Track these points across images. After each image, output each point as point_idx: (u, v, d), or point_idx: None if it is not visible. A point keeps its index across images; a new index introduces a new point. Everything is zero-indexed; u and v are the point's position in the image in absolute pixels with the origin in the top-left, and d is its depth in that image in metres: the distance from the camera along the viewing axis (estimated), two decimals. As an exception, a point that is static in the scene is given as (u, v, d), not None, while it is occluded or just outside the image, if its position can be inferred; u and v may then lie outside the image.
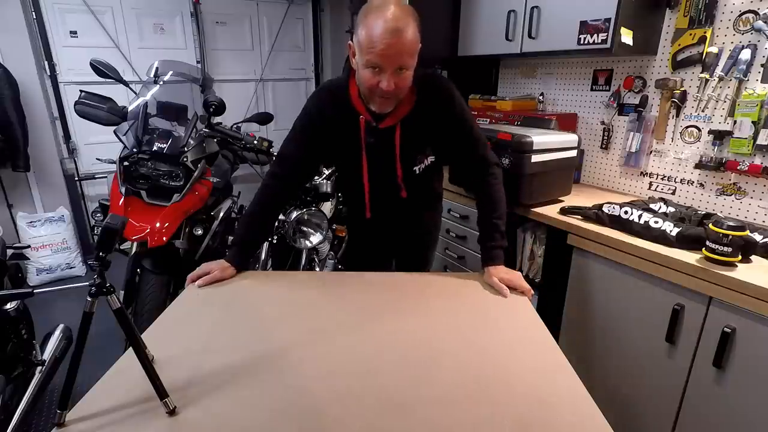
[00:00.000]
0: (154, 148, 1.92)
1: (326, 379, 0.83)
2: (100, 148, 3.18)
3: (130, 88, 2.21)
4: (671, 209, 1.57)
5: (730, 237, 1.20)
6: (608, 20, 1.67)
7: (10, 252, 1.79)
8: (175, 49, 3.40)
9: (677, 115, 1.79)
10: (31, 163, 2.92)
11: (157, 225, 1.81)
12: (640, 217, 1.45)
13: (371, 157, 1.29)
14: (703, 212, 1.54)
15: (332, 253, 2.25)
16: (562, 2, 1.85)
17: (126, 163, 1.92)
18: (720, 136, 1.64)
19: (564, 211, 1.67)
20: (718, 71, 1.63)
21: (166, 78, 2.22)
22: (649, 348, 1.43)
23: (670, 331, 1.35)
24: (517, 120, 2.19)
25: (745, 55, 1.55)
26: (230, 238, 2.24)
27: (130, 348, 0.76)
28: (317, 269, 2.08)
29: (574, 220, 1.62)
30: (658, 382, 1.42)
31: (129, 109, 2.00)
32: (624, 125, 2.01)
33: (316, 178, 2.08)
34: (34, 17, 2.94)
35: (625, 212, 1.49)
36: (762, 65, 1.53)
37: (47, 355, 1.59)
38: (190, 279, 1.20)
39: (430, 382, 0.83)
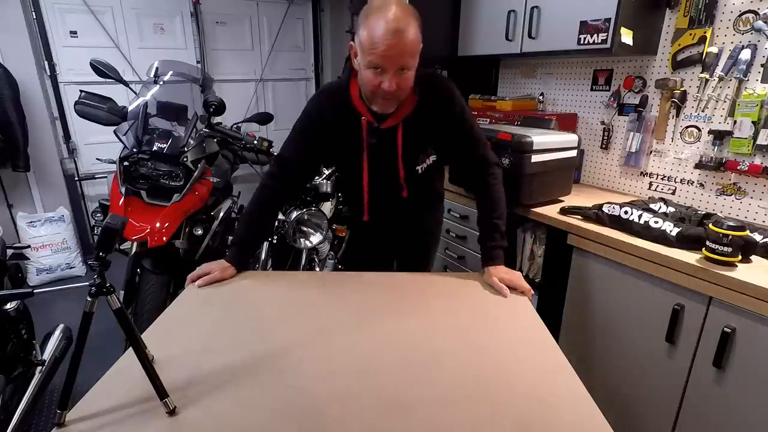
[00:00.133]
0: (154, 148, 1.92)
1: (326, 379, 0.83)
2: (100, 148, 3.18)
3: (130, 88, 2.21)
4: (671, 209, 1.57)
5: (730, 237, 1.20)
6: (608, 20, 1.67)
7: (10, 252, 1.79)
8: (175, 49, 3.39)
9: (677, 115, 1.79)
10: (31, 163, 2.92)
11: (157, 225, 1.81)
12: (640, 217, 1.45)
13: (372, 158, 1.29)
14: (703, 212, 1.54)
15: (332, 253, 2.24)
16: (562, 2, 1.85)
17: (126, 163, 1.92)
18: (720, 136, 1.64)
19: (564, 211, 1.67)
20: (718, 71, 1.63)
21: (166, 78, 2.22)
22: (649, 348, 1.43)
23: (670, 331, 1.35)
24: (517, 120, 2.18)
25: (745, 55, 1.55)
26: (230, 238, 2.24)
27: (130, 348, 0.76)
28: (317, 269, 2.08)
29: (574, 220, 1.62)
30: (658, 382, 1.42)
31: (129, 109, 2.00)
32: (624, 125, 2.01)
33: (316, 178, 2.08)
34: (34, 17, 2.94)
35: (625, 212, 1.49)
36: (762, 65, 1.53)
37: (47, 355, 1.59)
38: (190, 279, 1.20)
39: (430, 382, 0.83)
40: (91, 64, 2.01)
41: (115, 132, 2.00)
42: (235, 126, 2.29)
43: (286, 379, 0.83)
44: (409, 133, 1.25)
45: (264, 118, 2.39)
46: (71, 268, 3.13)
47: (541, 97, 2.38)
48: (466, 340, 0.96)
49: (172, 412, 0.73)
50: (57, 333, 1.70)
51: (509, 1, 2.06)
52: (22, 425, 1.38)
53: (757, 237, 1.31)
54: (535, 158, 1.66)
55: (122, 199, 1.89)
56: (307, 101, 1.32)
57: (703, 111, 1.71)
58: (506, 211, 1.32)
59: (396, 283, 1.25)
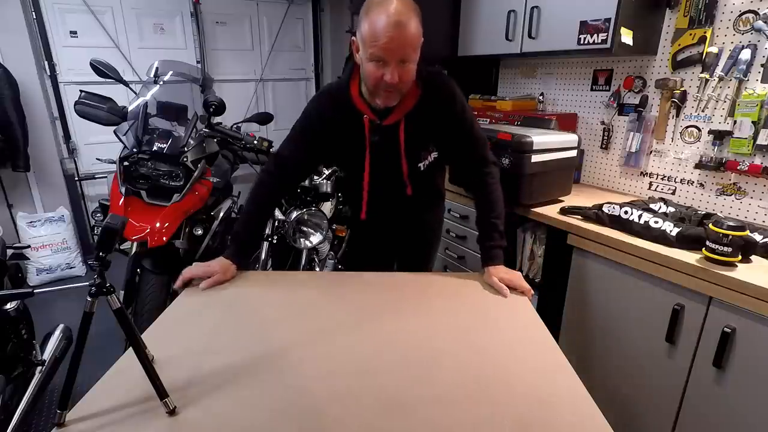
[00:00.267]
0: (154, 148, 1.92)
1: (326, 379, 0.83)
2: (100, 148, 3.18)
3: (130, 88, 2.21)
4: (671, 209, 1.57)
5: (730, 237, 1.20)
6: (608, 20, 1.67)
7: (10, 252, 1.79)
8: (175, 49, 3.39)
9: (677, 115, 1.79)
10: (31, 163, 2.92)
11: (157, 225, 1.81)
12: (640, 217, 1.45)
13: (375, 156, 1.29)
14: (703, 212, 1.54)
15: (332, 253, 2.25)
16: (562, 2, 1.85)
17: (126, 163, 1.92)
18: (720, 136, 1.64)
19: (564, 211, 1.67)
20: (718, 71, 1.63)
21: (166, 78, 2.22)
22: (649, 348, 1.43)
23: (670, 331, 1.35)
24: (517, 120, 2.18)
25: (745, 55, 1.55)
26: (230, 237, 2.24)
27: (130, 348, 0.76)
28: (317, 269, 2.08)
29: (574, 220, 1.62)
30: (658, 382, 1.42)
31: (129, 109, 2.00)
32: (624, 125, 2.01)
33: (316, 178, 2.08)
34: (34, 17, 2.94)
35: (625, 212, 1.49)
36: (762, 65, 1.53)
37: (47, 355, 1.59)
38: (184, 277, 1.17)
39: (430, 382, 0.83)
40: (91, 64, 2.01)
41: (115, 132, 2.00)
42: (235, 126, 2.29)
43: (286, 379, 0.82)
44: (411, 129, 1.25)
45: (264, 118, 2.39)
46: (71, 268, 3.13)
47: (541, 97, 2.38)
48: (466, 340, 0.96)
49: (172, 412, 0.73)
50: (57, 333, 1.70)
51: (509, 1, 2.07)
52: (22, 425, 1.38)
53: (757, 237, 1.31)
54: (535, 158, 1.66)
55: (122, 199, 1.89)
56: (308, 102, 1.32)
57: (703, 111, 1.71)
58: (505, 210, 1.32)
59: (396, 283, 1.25)
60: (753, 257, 1.29)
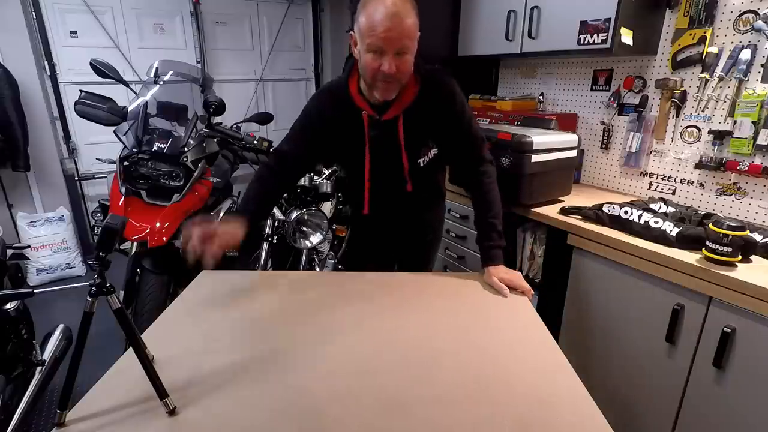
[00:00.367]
0: (154, 148, 1.92)
1: (326, 379, 0.83)
2: (100, 148, 3.18)
3: (130, 88, 2.21)
4: (671, 209, 1.57)
5: (730, 237, 1.20)
6: (608, 20, 1.67)
7: (10, 252, 1.79)
8: (175, 49, 3.39)
9: (677, 115, 1.79)
10: (31, 163, 2.92)
11: (157, 225, 1.81)
12: (640, 217, 1.45)
13: (375, 152, 1.29)
14: (703, 212, 1.54)
15: (332, 253, 2.25)
16: (562, 2, 1.85)
17: (126, 163, 1.92)
18: (720, 136, 1.64)
19: (564, 211, 1.67)
20: (718, 71, 1.63)
21: (166, 78, 2.22)
22: (649, 348, 1.43)
23: (670, 331, 1.35)
24: (517, 120, 2.19)
25: (745, 55, 1.55)
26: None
27: (130, 348, 0.76)
28: (317, 269, 2.08)
29: (574, 220, 1.62)
30: (658, 382, 1.42)
31: (129, 109, 2.00)
32: (624, 125, 2.01)
33: (316, 178, 2.08)
34: (34, 17, 2.94)
35: (625, 212, 1.49)
36: (762, 65, 1.53)
37: (47, 355, 1.59)
38: (186, 235, 1.07)
39: (430, 382, 0.83)
40: (91, 64, 2.01)
41: (115, 132, 2.00)
42: (235, 126, 2.29)
43: (286, 379, 0.83)
44: (410, 124, 1.25)
45: (264, 118, 2.39)
46: (71, 268, 3.13)
47: (541, 97, 2.38)
48: (466, 340, 0.96)
49: (172, 412, 0.73)
50: (57, 333, 1.70)
51: (509, 1, 2.07)
52: (22, 425, 1.38)
53: (757, 237, 1.31)
54: (535, 158, 1.66)
55: (122, 199, 1.89)
56: (308, 101, 1.33)
57: (703, 111, 1.71)
58: (502, 209, 1.32)
59: (396, 283, 1.25)
60: (753, 257, 1.29)
